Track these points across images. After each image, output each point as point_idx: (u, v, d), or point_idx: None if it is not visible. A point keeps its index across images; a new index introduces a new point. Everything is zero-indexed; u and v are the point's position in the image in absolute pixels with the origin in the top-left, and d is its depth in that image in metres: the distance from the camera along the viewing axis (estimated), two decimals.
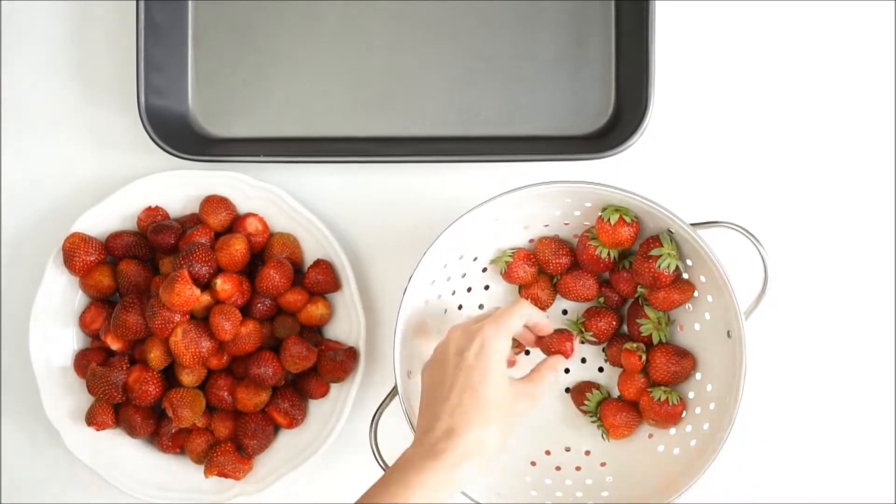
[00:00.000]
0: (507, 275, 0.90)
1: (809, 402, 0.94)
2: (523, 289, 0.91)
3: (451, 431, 0.71)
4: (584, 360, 0.92)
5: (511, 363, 0.90)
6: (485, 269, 0.91)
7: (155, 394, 0.90)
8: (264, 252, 0.93)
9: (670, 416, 0.86)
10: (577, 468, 0.89)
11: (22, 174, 0.97)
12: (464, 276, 0.90)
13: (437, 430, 0.71)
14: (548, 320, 0.82)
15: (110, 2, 0.96)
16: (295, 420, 0.92)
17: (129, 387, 0.90)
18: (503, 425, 0.73)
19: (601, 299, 0.91)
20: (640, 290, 0.88)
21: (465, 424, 0.71)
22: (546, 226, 0.89)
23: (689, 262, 0.84)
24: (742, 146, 0.95)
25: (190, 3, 0.95)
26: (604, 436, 0.89)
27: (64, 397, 0.93)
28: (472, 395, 0.72)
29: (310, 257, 0.93)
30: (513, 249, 0.90)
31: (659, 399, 0.86)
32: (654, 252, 0.83)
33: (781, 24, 0.95)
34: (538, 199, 0.84)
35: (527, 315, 0.79)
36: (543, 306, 0.91)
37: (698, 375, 0.87)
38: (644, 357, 0.87)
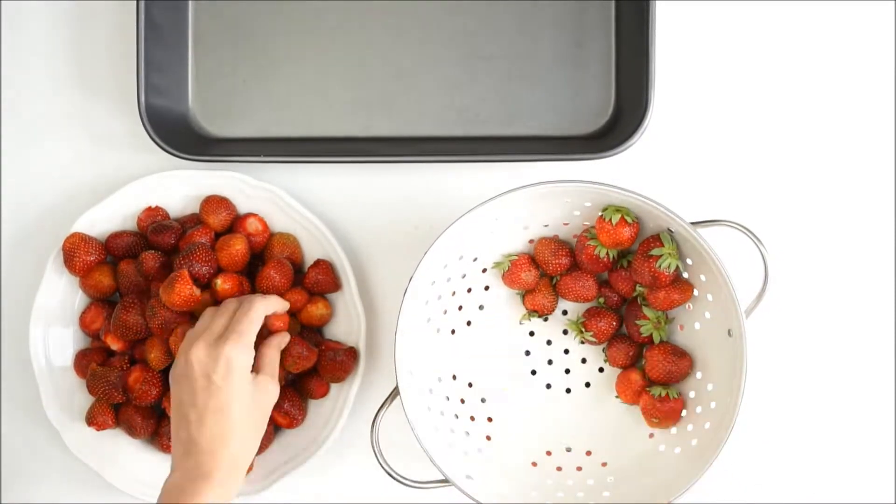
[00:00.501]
0: (509, 279, 0.90)
1: (810, 401, 0.94)
2: (527, 295, 0.91)
3: (212, 452, 0.79)
4: (584, 361, 0.92)
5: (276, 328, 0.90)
6: (485, 270, 0.91)
7: (155, 394, 0.90)
8: (264, 252, 0.93)
9: (671, 412, 0.86)
10: (579, 468, 0.89)
11: (22, 174, 0.97)
12: (464, 276, 0.90)
13: (197, 454, 0.79)
14: (282, 303, 0.88)
15: (110, 2, 0.96)
16: (295, 420, 0.91)
17: (129, 387, 0.90)
18: (255, 431, 0.82)
19: (601, 299, 0.91)
20: (638, 289, 0.88)
21: (222, 444, 0.79)
22: (546, 226, 0.89)
23: (689, 261, 0.84)
24: (742, 146, 0.95)
25: (190, 3, 0.95)
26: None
27: (64, 397, 0.93)
28: (223, 416, 0.79)
29: (310, 257, 0.93)
30: (514, 254, 0.90)
31: (659, 395, 0.86)
32: (655, 252, 0.83)
33: (781, 25, 0.95)
34: (538, 199, 0.84)
35: (262, 313, 0.84)
36: (547, 311, 0.91)
37: (699, 374, 0.87)
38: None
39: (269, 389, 0.83)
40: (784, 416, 0.94)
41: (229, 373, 0.80)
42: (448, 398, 0.90)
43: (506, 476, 0.87)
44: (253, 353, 0.82)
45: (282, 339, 0.87)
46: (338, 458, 0.94)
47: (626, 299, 0.91)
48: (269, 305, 0.86)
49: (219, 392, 0.79)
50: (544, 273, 0.91)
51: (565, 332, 0.92)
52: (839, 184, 0.95)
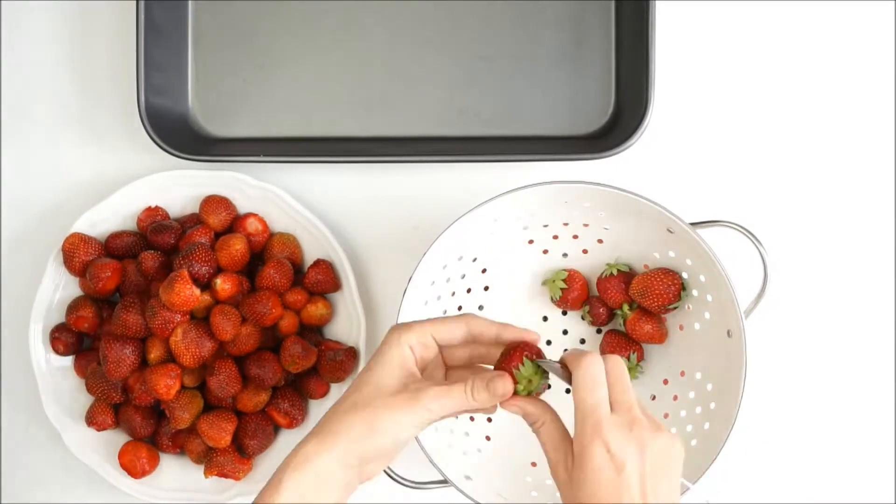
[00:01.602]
0: (564, 302, 0.91)
1: (809, 401, 0.94)
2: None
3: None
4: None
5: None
6: (484, 270, 0.91)
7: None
8: (264, 252, 0.93)
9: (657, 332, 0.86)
10: None
11: (22, 174, 0.97)
12: (463, 276, 0.90)
13: None
14: (496, 325, 0.70)
15: (110, 2, 0.96)
16: (295, 420, 0.92)
17: (129, 387, 0.90)
18: (347, 444, 0.66)
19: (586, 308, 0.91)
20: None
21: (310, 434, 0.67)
22: (545, 226, 0.89)
23: (688, 261, 0.85)
24: (742, 146, 0.95)
25: (190, 3, 0.95)
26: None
27: (64, 397, 0.93)
28: (338, 402, 0.68)
29: (310, 257, 0.93)
30: (564, 270, 0.90)
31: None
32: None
33: (781, 25, 0.95)
34: (538, 200, 0.84)
35: (464, 326, 0.70)
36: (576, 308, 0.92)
37: (699, 375, 0.87)
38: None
39: (411, 410, 0.67)
40: (784, 416, 0.94)
41: (376, 352, 0.69)
42: None
43: (505, 476, 0.87)
44: (415, 340, 0.69)
45: (488, 382, 0.68)
46: None
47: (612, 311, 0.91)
48: (480, 322, 0.71)
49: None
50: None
51: (565, 332, 0.92)
52: (839, 184, 0.95)
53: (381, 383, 0.67)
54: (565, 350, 0.90)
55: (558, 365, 0.68)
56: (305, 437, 0.67)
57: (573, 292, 0.90)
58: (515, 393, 0.68)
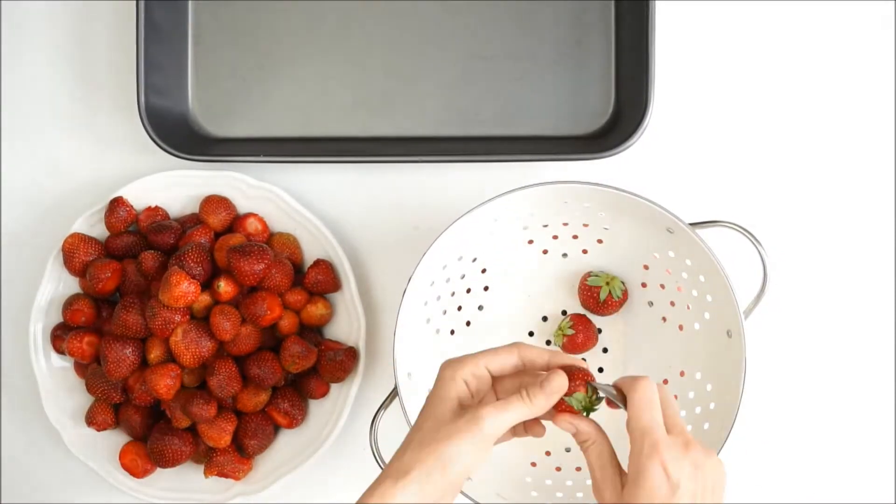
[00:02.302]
0: (572, 346, 0.91)
1: (809, 401, 0.94)
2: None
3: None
4: (583, 360, 0.92)
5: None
6: (484, 271, 0.91)
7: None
8: None
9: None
10: (578, 469, 0.89)
11: (22, 174, 0.97)
12: (463, 277, 0.90)
13: None
14: (547, 352, 0.71)
15: (110, 2, 0.96)
16: (295, 420, 0.92)
17: (129, 387, 0.90)
18: (421, 479, 0.66)
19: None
20: None
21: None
22: (545, 226, 0.89)
23: (688, 261, 0.85)
24: (742, 146, 0.95)
25: (190, 3, 0.95)
26: None
27: (64, 397, 0.93)
28: (404, 443, 0.69)
29: (310, 257, 0.93)
30: (566, 320, 0.91)
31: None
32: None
33: (782, 25, 0.95)
34: (538, 200, 0.84)
35: (515, 354, 0.71)
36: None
37: (698, 375, 0.87)
38: None
39: (468, 431, 0.67)
40: (784, 416, 0.94)
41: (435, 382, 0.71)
42: None
43: (505, 476, 0.87)
44: (468, 373, 0.70)
45: (545, 390, 0.69)
46: (338, 458, 0.95)
47: None
48: (528, 352, 0.72)
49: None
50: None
51: None
52: (839, 185, 0.95)
53: (440, 418, 0.68)
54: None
55: (612, 389, 0.69)
56: (378, 479, 0.67)
57: (579, 336, 0.90)
58: (571, 410, 0.69)
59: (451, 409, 0.68)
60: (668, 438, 0.65)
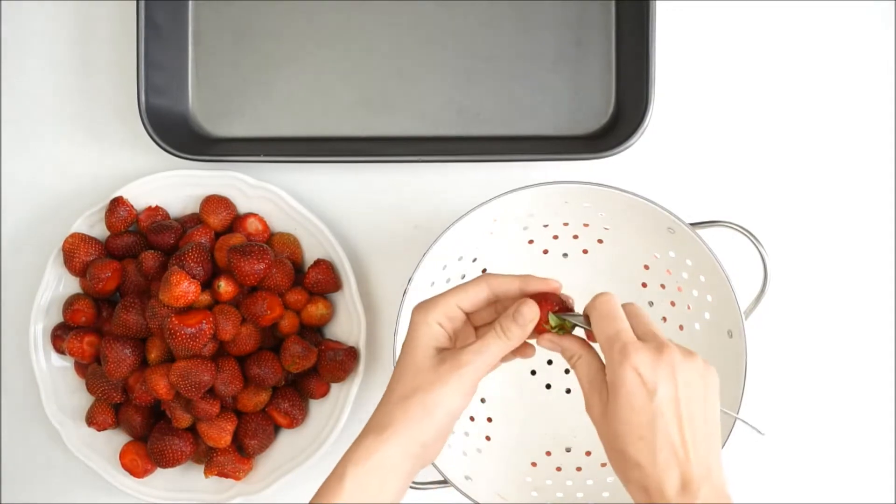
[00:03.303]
0: None
1: (810, 401, 0.94)
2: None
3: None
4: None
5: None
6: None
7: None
8: None
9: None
10: (578, 469, 0.89)
11: (22, 174, 0.97)
12: (463, 277, 0.90)
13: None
14: (517, 279, 0.69)
15: (110, 2, 0.96)
16: (295, 420, 0.92)
17: (129, 387, 0.90)
18: (407, 432, 0.66)
19: None
20: None
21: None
22: (545, 226, 0.89)
23: (688, 261, 0.85)
24: (742, 146, 0.95)
25: (190, 3, 0.95)
26: None
27: (64, 397, 0.93)
28: (385, 396, 0.69)
29: (310, 257, 0.93)
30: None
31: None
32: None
33: (782, 25, 0.95)
34: (537, 200, 0.84)
35: (485, 287, 0.69)
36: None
37: None
38: None
39: (455, 372, 0.67)
40: (784, 416, 0.94)
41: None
42: None
43: (505, 476, 0.87)
44: (439, 317, 0.69)
45: (515, 322, 0.69)
46: (338, 458, 0.94)
47: None
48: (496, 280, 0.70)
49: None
50: None
51: None
52: (839, 185, 0.95)
53: (420, 366, 0.67)
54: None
55: (581, 316, 0.68)
56: (361, 433, 0.67)
57: None
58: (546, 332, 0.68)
59: (429, 357, 0.67)
60: (639, 343, 0.64)
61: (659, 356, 0.63)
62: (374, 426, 0.66)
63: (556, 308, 0.69)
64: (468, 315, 0.71)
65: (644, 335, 0.65)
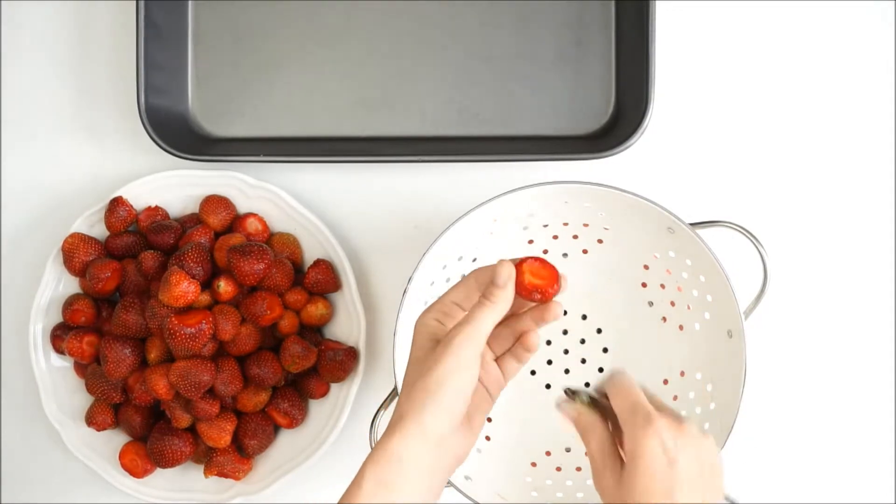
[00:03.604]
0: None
1: (809, 401, 0.94)
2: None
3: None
4: (584, 361, 0.92)
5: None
6: None
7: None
8: None
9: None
10: (578, 469, 0.89)
11: (22, 174, 0.97)
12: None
13: None
14: (497, 263, 0.69)
15: (110, 2, 0.96)
16: (295, 420, 0.92)
17: (129, 387, 0.90)
18: (417, 418, 0.65)
19: None
20: None
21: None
22: (545, 226, 0.89)
23: (688, 261, 0.85)
24: (742, 146, 0.95)
25: (190, 3, 0.95)
26: None
27: (64, 397, 0.93)
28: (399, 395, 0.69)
29: (310, 257, 0.93)
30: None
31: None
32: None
33: (782, 25, 0.95)
34: (537, 200, 0.84)
35: (472, 281, 0.70)
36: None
37: (699, 375, 0.87)
38: None
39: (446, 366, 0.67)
40: (784, 416, 0.94)
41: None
42: None
43: (505, 476, 0.87)
44: (438, 317, 0.71)
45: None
46: (338, 458, 0.94)
47: None
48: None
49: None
50: None
51: (565, 332, 0.92)
52: (839, 185, 0.95)
53: (420, 358, 0.68)
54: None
55: (592, 391, 0.70)
56: (382, 437, 0.67)
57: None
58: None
59: (427, 349, 0.68)
60: (660, 414, 0.65)
61: (680, 427, 0.64)
62: (389, 425, 0.67)
63: (535, 261, 0.70)
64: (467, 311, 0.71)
65: (658, 408, 0.66)
